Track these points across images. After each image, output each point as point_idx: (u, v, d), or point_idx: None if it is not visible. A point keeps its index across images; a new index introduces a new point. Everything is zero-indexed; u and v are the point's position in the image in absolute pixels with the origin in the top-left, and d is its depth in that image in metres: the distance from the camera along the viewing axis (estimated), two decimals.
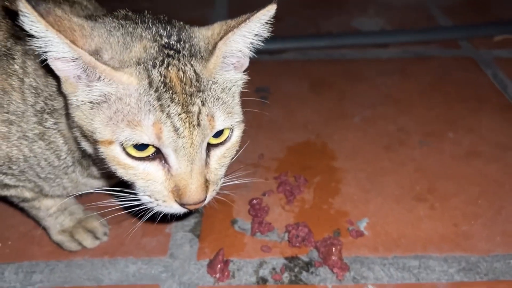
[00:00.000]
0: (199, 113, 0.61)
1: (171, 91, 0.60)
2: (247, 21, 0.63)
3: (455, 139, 1.16)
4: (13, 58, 0.68)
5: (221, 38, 0.63)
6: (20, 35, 0.68)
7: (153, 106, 0.59)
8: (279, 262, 0.87)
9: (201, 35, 0.67)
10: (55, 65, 0.59)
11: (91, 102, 0.61)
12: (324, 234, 0.91)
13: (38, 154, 0.71)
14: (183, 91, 0.60)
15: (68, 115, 0.66)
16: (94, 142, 0.62)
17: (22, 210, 0.88)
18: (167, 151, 0.61)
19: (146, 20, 0.66)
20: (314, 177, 1.05)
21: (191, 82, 0.61)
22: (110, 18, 0.65)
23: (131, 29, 0.63)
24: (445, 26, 1.71)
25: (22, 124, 0.69)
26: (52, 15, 0.56)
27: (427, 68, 1.46)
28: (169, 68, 0.60)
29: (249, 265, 0.86)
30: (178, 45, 0.63)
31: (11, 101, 0.68)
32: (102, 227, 0.91)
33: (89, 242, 0.89)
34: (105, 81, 0.59)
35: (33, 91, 0.68)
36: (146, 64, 0.60)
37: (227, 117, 0.64)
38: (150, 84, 0.59)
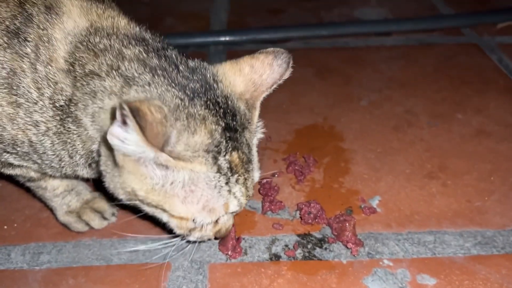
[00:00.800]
0: (252, 182, 0.69)
1: (236, 174, 0.65)
2: (278, 81, 0.70)
3: (463, 120, 1.15)
4: (26, 40, 0.64)
5: (254, 99, 0.70)
6: (33, 13, 0.65)
7: (223, 190, 0.65)
8: (291, 239, 0.85)
9: (233, 92, 0.69)
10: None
11: (163, 180, 0.61)
12: (336, 212, 0.89)
13: (46, 146, 0.69)
14: (243, 170, 0.67)
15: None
16: (159, 209, 0.65)
17: (28, 190, 0.86)
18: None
19: (201, 94, 0.65)
20: (323, 158, 1.04)
21: (247, 157, 0.67)
22: (170, 92, 0.62)
23: (193, 110, 0.62)
24: (448, 14, 1.71)
25: (33, 112, 0.66)
26: (147, 124, 0.54)
27: (431, 54, 1.46)
28: (232, 153, 0.65)
29: (261, 242, 0.85)
30: (234, 123, 0.66)
31: (21, 84, 0.65)
32: (110, 208, 0.89)
33: (96, 222, 0.87)
34: (175, 170, 0.61)
35: (51, 84, 0.65)
36: (214, 153, 0.62)
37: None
38: (219, 171, 0.63)
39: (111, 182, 0.65)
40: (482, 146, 1.06)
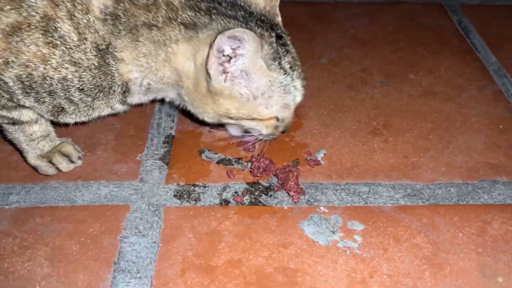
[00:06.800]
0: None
1: (295, 71, 0.84)
2: None
3: (414, 80, 1.22)
4: None
5: (274, 8, 0.90)
6: None
7: (291, 87, 0.84)
8: (241, 186, 0.94)
9: (260, 9, 0.86)
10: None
11: (250, 95, 0.82)
12: (284, 163, 0.97)
13: (85, 80, 0.78)
14: (297, 66, 0.86)
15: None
16: (248, 120, 0.86)
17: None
18: None
19: (250, 18, 0.82)
20: None
21: (296, 55, 0.86)
22: (230, 23, 0.80)
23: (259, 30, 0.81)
24: None
25: (75, 53, 0.75)
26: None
27: (395, 13, 1.50)
28: (287, 55, 0.83)
29: (214, 189, 0.93)
30: (279, 31, 0.86)
31: (59, 28, 0.73)
32: (77, 152, 0.97)
33: (64, 165, 0.94)
34: (257, 75, 0.80)
35: (92, 31, 0.74)
36: (278, 59, 0.81)
37: None
38: (286, 73, 0.83)
39: (200, 108, 0.86)
40: (427, 106, 1.14)
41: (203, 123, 0.96)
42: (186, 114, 0.96)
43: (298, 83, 0.86)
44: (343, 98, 1.16)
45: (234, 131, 0.98)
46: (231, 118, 0.85)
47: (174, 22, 0.78)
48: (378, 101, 1.15)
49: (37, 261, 0.80)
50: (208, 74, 0.78)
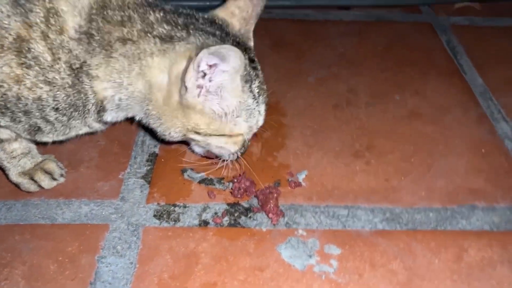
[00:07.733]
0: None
1: (261, 96, 0.85)
2: (259, 12, 0.90)
3: (400, 101, 1.23)
4: (31, 11, 0.72)
5: (247, 32, 0.91)
6: None
7: (256, 112, 0.85)
8: (221, 207, 0.94)
9: (235, 32, 0.88)
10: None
11: (222, 111, 0.81)
12: (266, 184, 0.98)
13: (59, 99, 0.77)
14: (263, 91, 0.86)
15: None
16: (217, 136, 0.84)
17: None
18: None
19: (227, 38, 0.83)
20: (264, 132, 1.12)
21: (263, 80, 0.87)
22: (209, 40, 0.80)
23: None
24: None
25: (49, 72, 0.74)
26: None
27: (385, 32, 1.51)
28: (256, 80, 0.84)
29: (194, 209, 0.94)
30: (252, 55, 0.86)
31: (33, 49, 0.73)
32: (59, 169, 0.97)
33: (46, 182, 0.95)
34: (230, 94, 0.79)
35: (66, 51, 0.74)
36: (249, 82, 0.81)
37: None
38: (254, 97, 0.83)
39: (169, 123, 0.82)
40: (411, 127, 1.15)
41: (168, 143, 0.97)
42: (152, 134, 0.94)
43: (262, 109, 0.87)
44: (328, 118, 1.17)
45: (198, 149, 0.96)
46: (199, 133, 0.83)
47: (149, 35, 0.77)
48: (363, 121, 1.16)
49: (13, 280, 0.80)
50: (185, 87, 0.77)
